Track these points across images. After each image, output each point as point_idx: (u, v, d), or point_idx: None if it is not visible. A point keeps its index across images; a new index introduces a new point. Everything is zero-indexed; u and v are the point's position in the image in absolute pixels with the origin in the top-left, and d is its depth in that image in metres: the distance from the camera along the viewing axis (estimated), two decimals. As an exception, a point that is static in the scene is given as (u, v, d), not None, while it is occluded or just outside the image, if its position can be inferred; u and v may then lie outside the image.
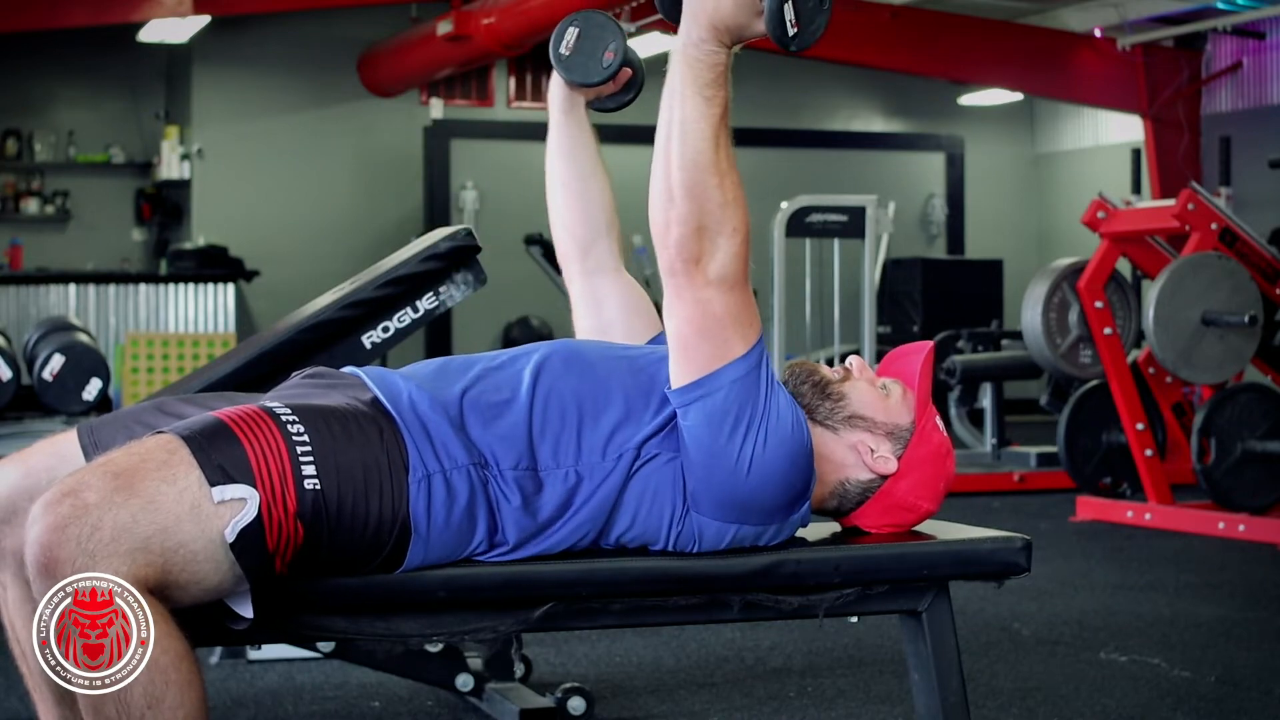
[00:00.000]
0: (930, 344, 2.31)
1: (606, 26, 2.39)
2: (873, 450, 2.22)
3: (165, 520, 1.81)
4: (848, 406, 2.22)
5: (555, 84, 2.47)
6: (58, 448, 2.07)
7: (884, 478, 2.23)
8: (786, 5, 1.95)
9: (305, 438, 1.91)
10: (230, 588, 1.88)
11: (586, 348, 2.18)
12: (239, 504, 1.85)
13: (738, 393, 2.02)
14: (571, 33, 2.39)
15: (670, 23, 2.04)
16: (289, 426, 1.92)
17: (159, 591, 1.80)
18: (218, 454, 1.86)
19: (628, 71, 2.46)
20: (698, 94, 1.97)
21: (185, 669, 1.80)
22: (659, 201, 1.98)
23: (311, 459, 1.90)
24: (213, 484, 1.84)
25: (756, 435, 2.04)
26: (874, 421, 2.23)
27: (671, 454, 2.08)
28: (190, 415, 1.99)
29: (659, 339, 2.37)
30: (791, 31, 1.97)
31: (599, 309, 2.42)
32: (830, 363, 2.35)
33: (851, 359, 2.30)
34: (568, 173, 2.47)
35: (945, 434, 2.30)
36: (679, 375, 2.04)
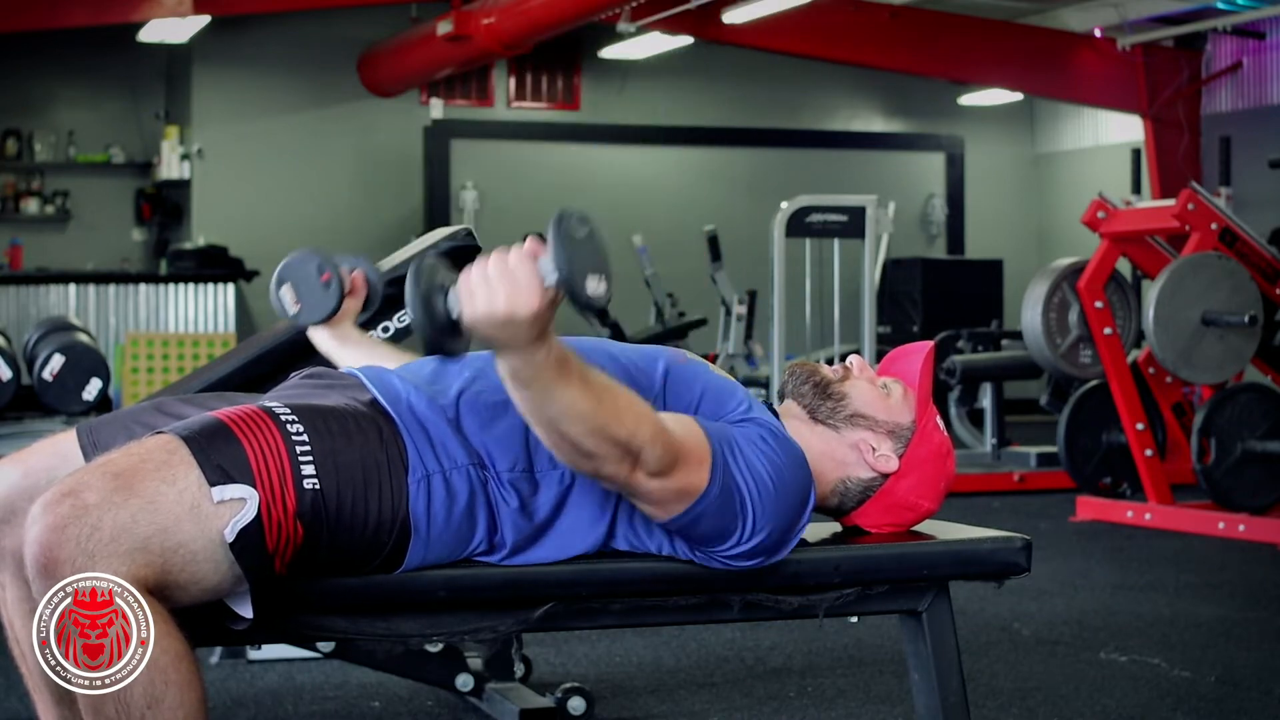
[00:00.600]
0: (930, 344, 2.32)
1: (305, 259, 2.34)
2: (874, 449, 2.22)
3: (165, 520, 1.81)
4: (849, 405, 2.23)
5: (318, 337, 2.41)
6: (57, 448, 2.07)
7: (885, 476, 2.24)
8: (583, 280, 1.75)
9: (304, 437, 1.91)
10: (230, 588, 1.88)
11: (583, 345, 2.17)
12: (238, 504, 1.84)
13: (718, 507, 2.03)
14: (285, 292, 2.34)
15: (429, 348, 1.83)
16: (288, 426, 1.92)
17: (158, 592, 1.80)
18: (217, 454, 1.86)
19: (357, 282, 2.41)
20: (550, 389, 1.84)
21: (185, 669, 1.80)
22: (579, 463, 1.92)
23: (311, 459, 1.90)
24: (212, 484, 1.84)
25: (747, 517, 2.06)
26: (875, 420, 2.23)
27: None
28: (190, 415, 1.99)
29: None
30: (597, 296, 1.77)
31: None
32: (830, 363, 2.35)
33: (852, 358, 2.30)
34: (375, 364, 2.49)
35: (945, 434, 2.30)
36: (657, 517, 2.05)
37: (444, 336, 1.81)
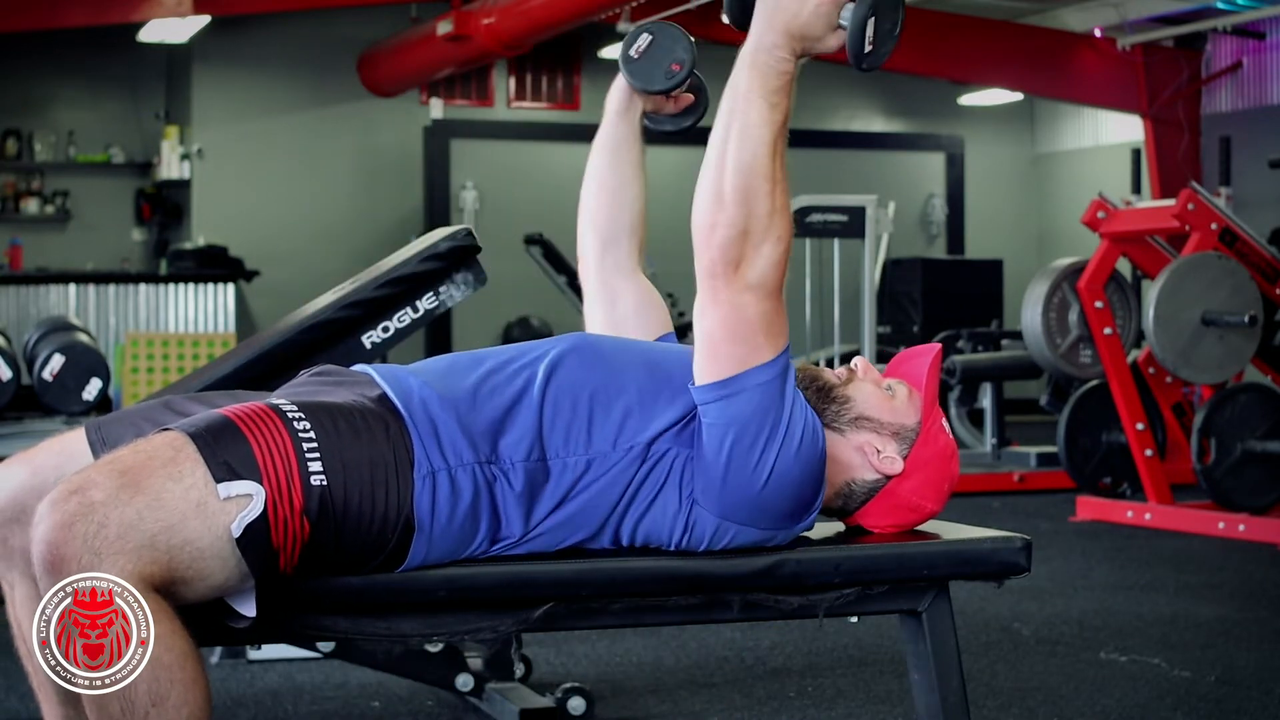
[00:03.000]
0: (938, 346, 2.32)
1: (679, 41, 2.39)
2: (879, 451, 2.22)
3: (171, 518, 1.81)
4: (853, 408, 2.23)
5: (617, 85, 2.48)
6: (65, 446, 2.07)
7: (889, 478, 2.24)
8: (870, 22, 1.95)
9: (311, 434, 1.91)
10: (235, 585, 1.88)
11: (602, 341, 2.18)
12: (245, 500, 1.85)
13: (761, 398, 2.01)
14: (644, 39, 2.39)
15: (738, 29, 2.03)
16: (295, 423, 1.92)
17: (165, 589, 1.80)
18: (224, 451, 1.86)
19: (689, 97, 2.48)
20: (763, 99, 1.98)
21: (190, 668, 1.80)
22: (707, 202, 1.97)
23: (318, 455, 1.90)
24: (219, 481, 1.84)
25: (777, 445, 2.04)
26: (880, 422, 2.23)
27: (679, 451, 2.07)
28: (199, 413, 1.99)
29: (667, 338, 2.39)
30: (868, 49, 1.97)
31: (613, 306, 2.44)
32: (831, 363, 2.35)
33: (856, 360, 2.30)
34: (606, 171, 2.47)
35: (951, 436, 2.30)
36: (705, 374, 2.03)
37: (746, 14, 2.02)
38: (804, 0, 1.96)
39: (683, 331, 10.33)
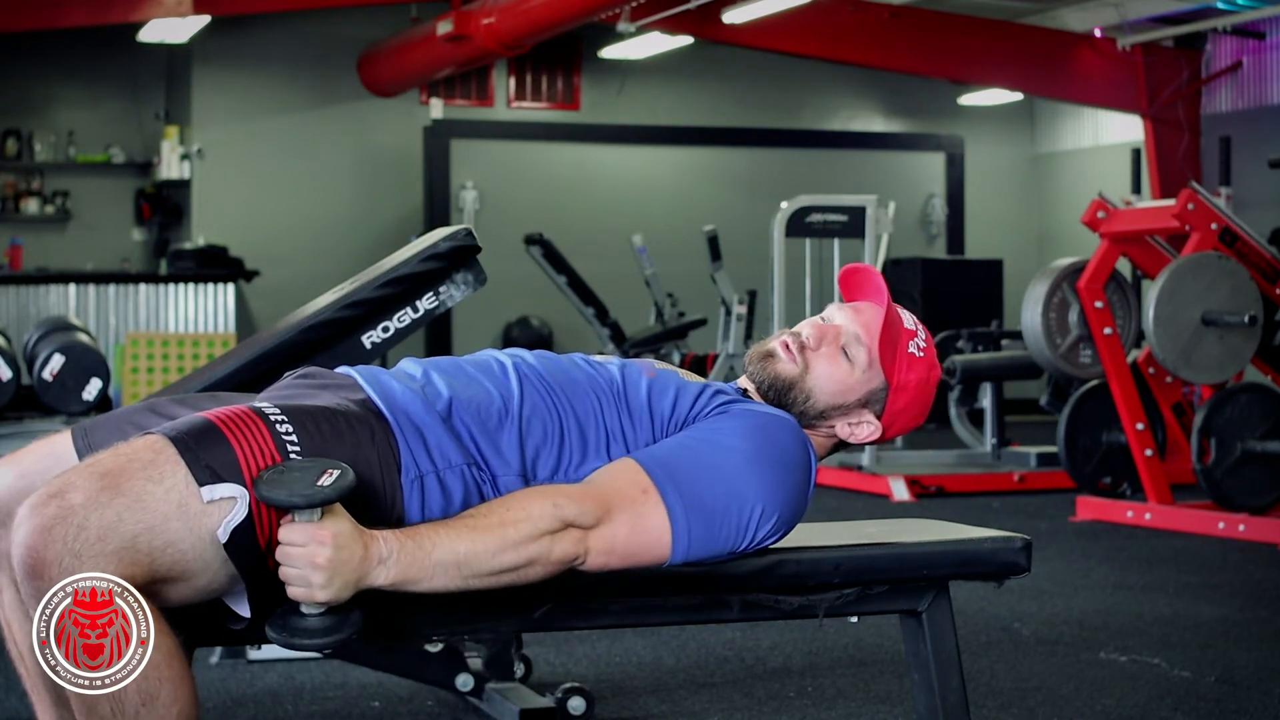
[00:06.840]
0: (880, 281, 2.28)
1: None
2: (850, 425, 2.24)
3: (152, 519, 1.80)
4: (815, 404, 2.24)
5: None
6: (52, 449, 2.06)
7: None
8: (322, 479, 1.82)
9: (294, 437, 1.91)
10: (223, 587, 1.88)
11: (564, 361, 2.18)
12: (229, 503, 1.84)
13: (703, 524, 2.05)
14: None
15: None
16: (278, 426, 1.91)
17: (147, 590, 1.80)
18: (205, 454, 1.85)
19: None
20: (426, 578, 1.87)
21: (177, 665, 1.80)
22: (530, 574, 1.94)
23: (300, 459, 1.90)
24: (201, 484, 1.83)
25: (745, 517, 2.08)
26: (845, 406, 2.24)
27: None
28: (182, 416, 1.98)
29: None
30: (333, 477, 1.82)
31: None
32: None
33: (806, 332, 2.26)
34: None
35: (922, 359, 2.27)
36: (662, 561, 2.07)
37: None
38: (337, 575, 1.82)
39: (683, 330, 10.33)
